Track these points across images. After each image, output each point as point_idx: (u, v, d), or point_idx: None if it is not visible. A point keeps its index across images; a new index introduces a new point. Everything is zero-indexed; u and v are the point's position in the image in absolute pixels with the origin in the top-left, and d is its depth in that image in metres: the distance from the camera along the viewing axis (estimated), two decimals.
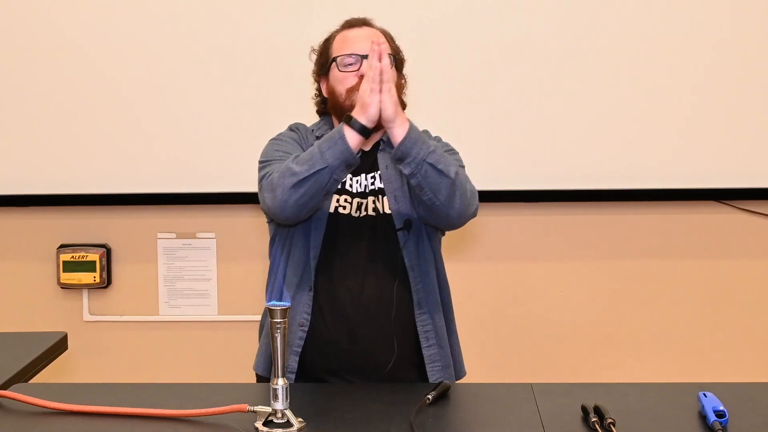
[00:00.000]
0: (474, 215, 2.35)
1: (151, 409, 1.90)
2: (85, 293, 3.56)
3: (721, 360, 3.50)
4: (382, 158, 2.39)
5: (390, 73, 2.19)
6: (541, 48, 3.37)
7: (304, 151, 2.31)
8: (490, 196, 3.42)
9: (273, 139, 2.43)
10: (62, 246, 3.52)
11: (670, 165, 3.40)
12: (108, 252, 3.53)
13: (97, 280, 3.51)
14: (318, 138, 2.37)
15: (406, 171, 2.19)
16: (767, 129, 3.40)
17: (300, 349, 2.31)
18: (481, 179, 3.39)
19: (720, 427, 1.78)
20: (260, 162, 2.37)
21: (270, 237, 2.45)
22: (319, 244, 2.32)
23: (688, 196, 3.43)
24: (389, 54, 2.34)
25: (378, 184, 2.37)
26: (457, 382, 2.38)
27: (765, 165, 3.40)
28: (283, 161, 2.27)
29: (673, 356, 3.51)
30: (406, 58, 2.46)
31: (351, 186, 2.36)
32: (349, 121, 2.19)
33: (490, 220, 3.48)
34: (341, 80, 2.35)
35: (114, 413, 1.90)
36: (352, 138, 2.18)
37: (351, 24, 2.43)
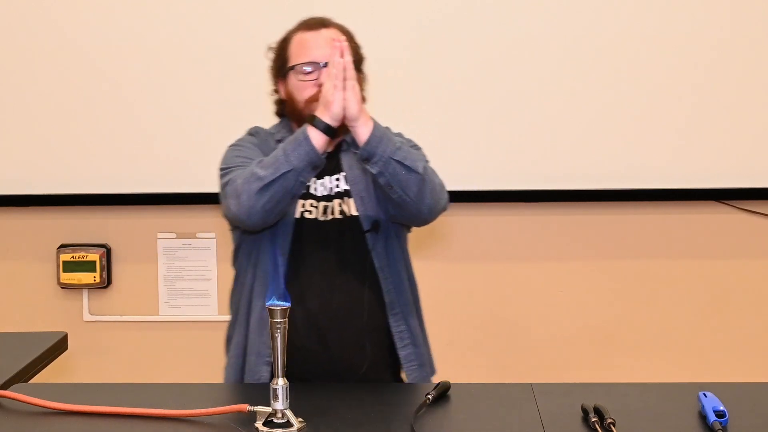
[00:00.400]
0: (445, 209, 2.32)
1: (151, 409, 1.90)
2: (85, 293, 3.56)
3: (721, 360, 3.50)
4: (346, 159, 2.35)
5: (353, 70, 2.15)
6: (541, 48, 3.37)
7: (264, 155, 2.26)
8: (489, 196, 3.43)
9: (232, 145, 2.38)
10: (62, 246, 3.52)
11: (670, 165, 3.40)
12: (108, 252, 3.53)
13: (97, 280, 3.51)
14: (278, 141, 2.33)
15: (374, 170, 2.16)
16: (767, 129, 3.40)
17: (271, 359, 2.25)
18: (481, 179, 3.42)
19: (720, 427, 1.78)
20: (221, 169, 2.32)
21: (234, 246, 2.41)
22: (287, 251, 2.28)
23: (688, 196, 3.43)
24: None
25: (343, 186, 2.33)
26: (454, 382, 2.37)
27: (765, 165, 3.40)
28: (245, 167, 2.23)
29: (673, 356, 3.51)
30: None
31: (315, 189, 2.32)
32: (313, 121, 2.15)
33: (490, 220, 3.48)
34: (300, 89, 2.30)
35: (114, 413, 1.90)
36: (317, 138, 2.15)
37: (309, 26, 2.36)
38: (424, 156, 2.36)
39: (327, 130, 2.15)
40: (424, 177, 2.20)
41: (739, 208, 3.47)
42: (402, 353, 2.33)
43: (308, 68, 2.29)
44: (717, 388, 1.93)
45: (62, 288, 3.55)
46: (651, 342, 3.52)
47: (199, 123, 3.43)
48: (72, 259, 3.50)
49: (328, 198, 2.33)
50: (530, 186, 3.42)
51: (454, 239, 3.51)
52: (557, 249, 3.51)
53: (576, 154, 3.40)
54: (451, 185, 3.37)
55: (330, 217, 2.31)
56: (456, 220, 3.49)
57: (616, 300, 3.52)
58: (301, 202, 2.30)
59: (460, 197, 3.42)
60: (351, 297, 2.28)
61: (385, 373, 2.34)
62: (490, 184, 3.42)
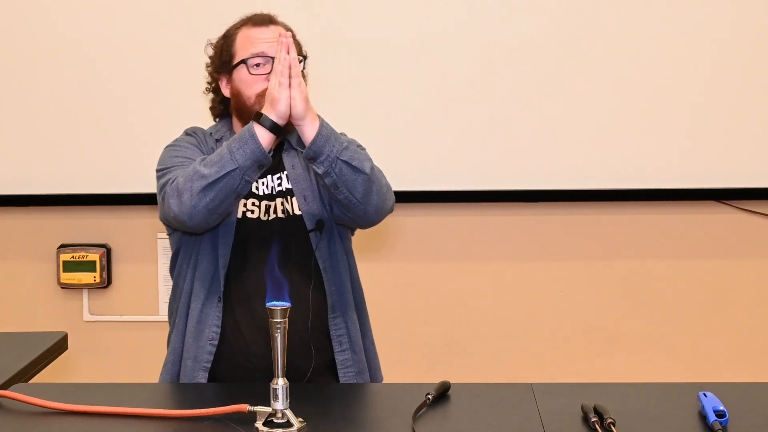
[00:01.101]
0: (391, 210, 2.28)
1: (151, 409, 1.90)
2: (85, 293, 3.56)
3: (721, 360, 3.50)
4: (288, 158, 2.32)
5: (299, 67, 2.10)
6: (542, 48, 3.37)
7: (204, 155, 2.22)
8: (489, 196, 3.43)
9: (169, 145, 2.34)
10: (62, 246, 3.52)
11: (671, 165, 3.40)
12: (108, 252, 3.53)
13: (97, 280, 3.51)
14: (218, 141, 2.29)
15: (320, 170, 2.11)
16: (767, 129, 3.40)
17: (209, 365, 2.23)
18: (481, 179, 3.42)
19: (720, 427, 1.78)
20: (158, 170, 2.27)
21: (173, 251, 2.35)
22: (228, 252, 2.24)
23: (688, 196, 3.43)
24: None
25: (286, 185, 2.30)
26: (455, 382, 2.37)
27: (765, 165, 3.40)
28: (185, 167, 2.18)
29: (673, 356, 3.51)
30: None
31: (257, 188, 2.28)
32: (259, 119, 2.11)
33: (490, 220, 3.48)
34: (250, 84, 2.25)
35: (114, 413, 1.89)
36: (264, 136, 2.09)
37: (255, 21, 2.32)
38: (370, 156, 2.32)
39: (273, 128, 2.10)
40: (371, 177, 2.15)
41: (739, 208, 3.47)
42: (339, 358, 2.28)
43: (258, 60, 2.25)
44: (717, 388, 1.93)
45: (62, 288, 3.55)
46: (651, 342, 3.52)
47: (198, 123, 3.42)
48: (72, 259, 3.50)
49: (270, 197, 2.29)
50: (530, 186, 3.42)
51: (454, 239, 3.51)
52: (557, 249, 3.50)
53: (576, 154, 3.40)
54: (452, 185, 3.41)
55: (272, 216, 2.27)
56: (456, 220, 3.49)
57: (616, 300, 3.52)
58: (242, 201, 2.26)
59: (461, 197, 3.43)
60: (297, 298, 2.19)
61: (327, 376, 2.29)
62: (490, 184, 3.42)
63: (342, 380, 2.29)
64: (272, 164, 2.25)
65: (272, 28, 2.30)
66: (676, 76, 3.37)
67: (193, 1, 3.39)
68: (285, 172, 2.31)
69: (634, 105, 3.38)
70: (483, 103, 3.39)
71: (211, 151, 2.25)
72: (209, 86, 2.40)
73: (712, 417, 1.81)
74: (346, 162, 2.11)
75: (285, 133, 2.20)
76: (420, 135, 3.39)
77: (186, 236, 2.29)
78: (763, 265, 3.50)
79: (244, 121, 2.26)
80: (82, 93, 3.42)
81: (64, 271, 3.51)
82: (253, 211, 2.27)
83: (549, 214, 3.48)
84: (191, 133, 2.38)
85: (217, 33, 3.36)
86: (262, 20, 2.32)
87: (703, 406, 1.86)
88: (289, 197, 2.29)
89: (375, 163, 2.22)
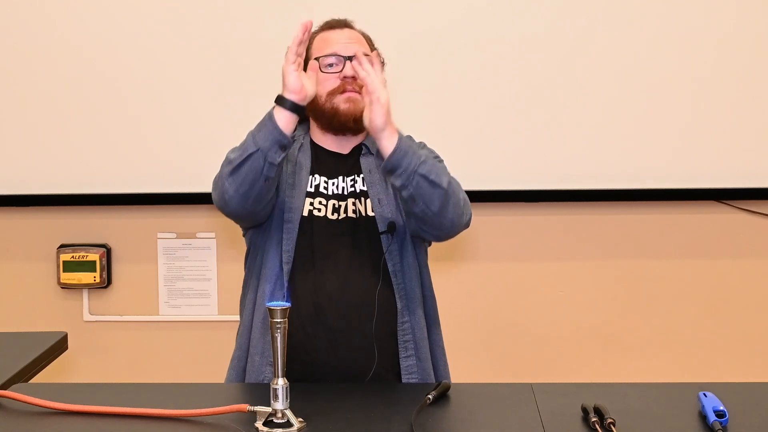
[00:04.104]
0: (467, 225, 2.29)
1: (151, 409, 1.90)
2: (85, 293, 3.56)
3: (721, 360, 3.50)
4: (365, 162, 2.34)
5: (379, 81, 2.14)
6: (542, 48, 3.37)
7: None
8: (489, 196, 3.43)
9: None
10: (62, 246, 3.52)
11: (671, 165, 3.40)
12: (108, 252, 3.53)
13: (97, 280, 3.51)
14: (292, 140, 2.31)
15: (397, 183, 2.14)
16: (767, 129, 3.40)
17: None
18: (481, 179, 3.41)
19: (720, 427, 1.78)
20: None
21: (246, 250, 2.40)
22: (292, 248, 2.26)
23: (688, 196, 3.43)
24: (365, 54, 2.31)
25: (360, 187, 2.32)
26: (455, 382, 2.37)
27: (765, 165, 3.40)
28: None
29: (673, 356, 3.51)
30: (387, 60, 2.40)
31: (326, 188, 2.31)
32: (278, 101, 2.15)
33: (490, 220, 3.48)
34: (321, 82, 2.28)
35: (114, 413, 1.90)
36: (281, 117, 2.13)
37: (331, 25, 2.38)
38: (445, 169, 2.34)
39: (292, 107, 2.14)
40: (448, 191, 2.17)
41: (739, 208, 3.47)
42: (403, 363, 2.28)
43: (331, 60, 2.29)
44: (717, 388, 1.93)
45: (62, 288, 3.55)
46: (651, 342, 3.52)
47: (199, 123, 3.43)
48: (72, 259, 3.50)
49: (341, 197, 2.31)
50: (530, 186, 3.42)
51: (454, 239, 3.50)
52: (557, 249, 3.51)
53: (576, 154, 3.40)
54: None
55: (342, 216, 2.29)
56: None
57: (616, 300, 3.52)
58: (309, 200, 2.29)
59: None
60: (362, 298, 2.24)
61: (392, 380, 2.29)
62: (491, 185, 3.42)
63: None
64: (346, 167, 2.32)
65: (346, 31, 2.36)
66: (675, 76, 3.37)
67: (193, 2, 3.39)
68: (361, 175, 2.33)
69: (634, 105, 3.38)
70: (482, 103, 3.39)
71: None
72: None
73: (712, 417, 1.81)
74: (423, 176, 2.14)
75: (306, 112, 2.22)
76: (419, 136, 3.38)
77: (255, 234, 2.33)
78: (763, 265, 3.50)
79: (319, 122, 2.32)
80: (82, 93, 3.42)
81: (64, 271, 3.51)
82: (319, 210, 2.30)
83: (549, 214, 3.48)
84: None
85: (220, 33, 3.39)
86: (338, 24, 2.38)
87: (703, 406, 1.86)
88: (362, 198, 2.31)
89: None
